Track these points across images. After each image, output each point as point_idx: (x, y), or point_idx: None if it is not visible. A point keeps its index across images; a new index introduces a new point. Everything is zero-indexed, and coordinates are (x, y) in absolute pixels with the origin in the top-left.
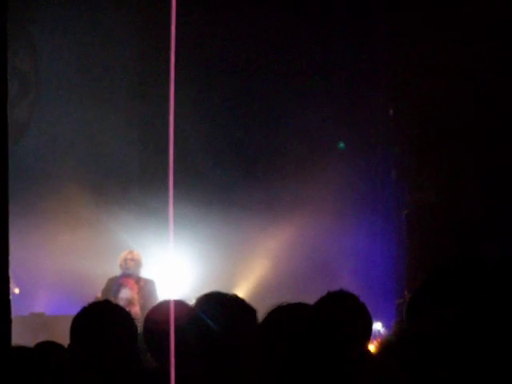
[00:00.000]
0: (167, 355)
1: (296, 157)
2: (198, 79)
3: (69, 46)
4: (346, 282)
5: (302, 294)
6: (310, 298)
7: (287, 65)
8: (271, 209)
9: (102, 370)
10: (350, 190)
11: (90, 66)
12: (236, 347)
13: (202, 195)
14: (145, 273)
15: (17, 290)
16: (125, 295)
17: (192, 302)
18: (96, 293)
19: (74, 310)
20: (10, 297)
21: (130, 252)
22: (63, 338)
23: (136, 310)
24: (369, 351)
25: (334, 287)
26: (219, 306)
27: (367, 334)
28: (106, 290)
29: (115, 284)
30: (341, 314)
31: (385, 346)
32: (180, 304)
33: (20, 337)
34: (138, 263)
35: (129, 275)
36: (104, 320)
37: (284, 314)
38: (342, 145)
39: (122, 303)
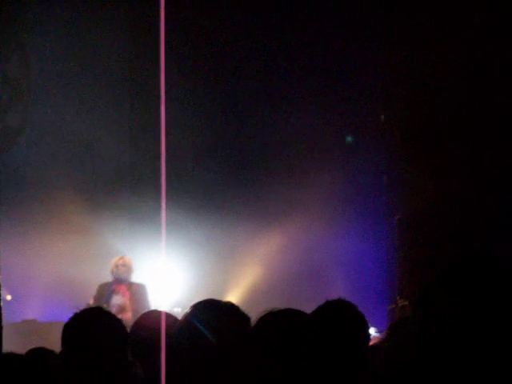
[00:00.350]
0: (154, 364)
1: (287, 162)
2: (188, 84)
3: (59, 52)
4: (338, 287)
5: (294, 300)
6: (302, 304)
7: (279, 70)
8: (263, 214)
9: (94, 377)
10: (341, 195)
11: (81, 73)
12: (229, 355)
13: (193, 201)
14: (136, 278)
15: (9, 297)
16: (117, 301)
17: (184, 309)
18: (88, 299)
19: (66, 317)
20: (2, 303)
21: (121, 258)
22: (55, 344)
23: (128, 316)
24: (367, 360)
25: (326, 293)
26: (215, 314)
27: (365, 343)
28: (97, 297)
29: (107, 290)
30: (339, 323)
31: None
32: (166, 315)
33: (12, 343)
34: (129, 269)
35: (120, 281)
36: (95, 326)
37: (275, 319)
38: (349, 139)
39: (114, 310)
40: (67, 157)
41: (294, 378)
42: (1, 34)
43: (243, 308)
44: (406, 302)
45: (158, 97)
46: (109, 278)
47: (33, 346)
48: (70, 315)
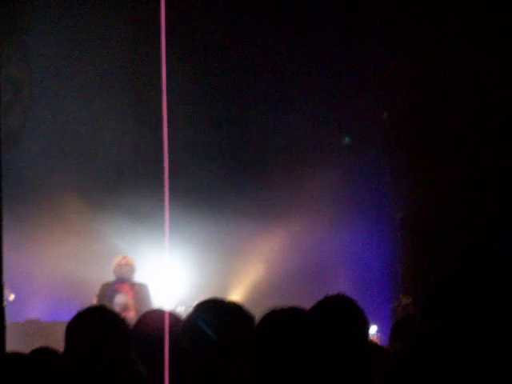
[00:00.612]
0: (157, 363)
1: (290, 161)
2: (190, 85)
3: (60, 51)
4: (341, 285)
5: (297, 298)
6: (305, 302)
7: (280, 71)
8: (265, 213)
9: (97, 376)
10: (344, 193)
11: (82, 72)
12: (233, 354)
13: (196, 200)
14: (139, 278)
15: (12, 297)
16: (120, 301)
17: (188, 308)
18: (91, 299)
19: (69, 316)
20: (5, 303)
21: (124, 257)
22: (59, 344)
23: (131, 315)
24: (369, 354)
25: (329, 291)
26: (218, 313)
27: (364, 338)
28: (100, 296)
29: (110, 290)
30: (339, 318)
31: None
32: (169, 315)
33: (15, 343)
34: (131, 268)
35: (123, 281)
36: (98, 326)
37: (278, 318)
38: (347, 139)
39: (117, 309)
40: (69, 156)
41: (297, 377)
42: (2, 34)
43: (247, 307)
44: (409, 300)
45: (160, 97)
46: (112, 278)
47: (36, 346)
48: (73, 315)
